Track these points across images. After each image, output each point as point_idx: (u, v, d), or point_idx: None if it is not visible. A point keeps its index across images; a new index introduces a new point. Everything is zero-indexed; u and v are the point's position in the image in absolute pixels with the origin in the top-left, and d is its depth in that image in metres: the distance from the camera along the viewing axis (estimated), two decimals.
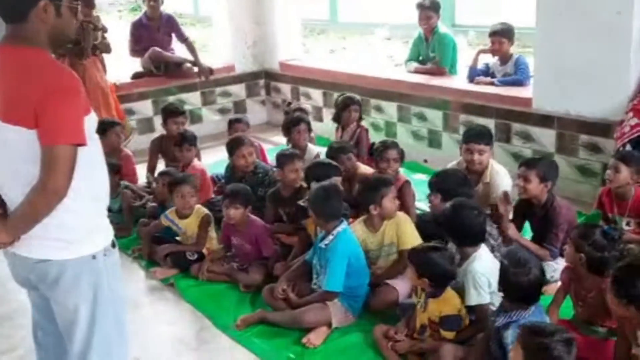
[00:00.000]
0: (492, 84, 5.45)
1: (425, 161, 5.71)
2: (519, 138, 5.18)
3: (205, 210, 4.20)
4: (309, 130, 4.86)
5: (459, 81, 5.84)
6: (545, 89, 4.89)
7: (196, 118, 7.07)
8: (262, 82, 7.52)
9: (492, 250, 3.11)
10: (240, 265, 3.93)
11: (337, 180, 3.77)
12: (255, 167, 4.48)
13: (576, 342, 2.08)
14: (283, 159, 4.10)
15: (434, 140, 5.85)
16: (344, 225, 3.28)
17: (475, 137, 3.87)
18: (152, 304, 3.78)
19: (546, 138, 4.99)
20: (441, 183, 3.45)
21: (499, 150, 5.21)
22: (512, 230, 3.41)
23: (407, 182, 4.10)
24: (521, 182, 3.46)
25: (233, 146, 4.50)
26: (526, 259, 2.49)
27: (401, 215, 3.49)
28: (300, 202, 3.81)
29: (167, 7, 6.92)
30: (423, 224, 3.64)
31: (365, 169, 4.38)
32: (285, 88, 7.32)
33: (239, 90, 7.39)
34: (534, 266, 2.48)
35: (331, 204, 3.22)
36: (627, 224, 3.68)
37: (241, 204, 3.85)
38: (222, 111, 7.25)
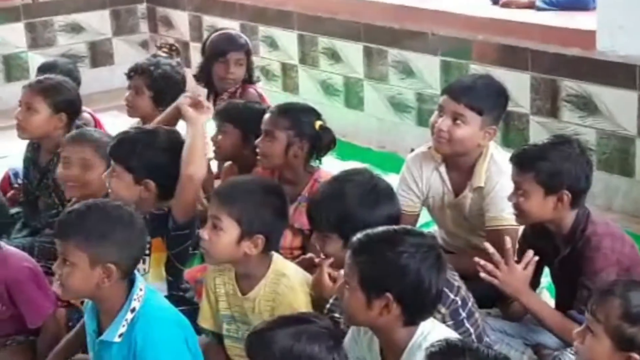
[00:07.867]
0: (532, 6, 5.64)
1: (413, 150, 5.45)
2: (572, 107, 5.26)
3: None
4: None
5: (463, 3, 6.06)
6: (619, 16, 4.92)
7: (15, 70, 7.15)
8: (142, 7, 7.71)
9: (443, 320, 3.02)
10: None
11: None
12: None
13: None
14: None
15: (425, 112, 5.86)
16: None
17: (454, 90, 3.79)
18: None
19: (621, 109, 5.00)
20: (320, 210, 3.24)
21: (536, 127, 5.29)
22: (527, 295, 3.33)
23: None
24: (514, 197, 3.44)
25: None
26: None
27: (292, 269, 3.31)
28: None
29: None
30: None
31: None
32: (181, 19, 7.48)
33: (96, 21, 7.51)
34: None
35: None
36: None
37: None
38: (69, 58, 6.89)
